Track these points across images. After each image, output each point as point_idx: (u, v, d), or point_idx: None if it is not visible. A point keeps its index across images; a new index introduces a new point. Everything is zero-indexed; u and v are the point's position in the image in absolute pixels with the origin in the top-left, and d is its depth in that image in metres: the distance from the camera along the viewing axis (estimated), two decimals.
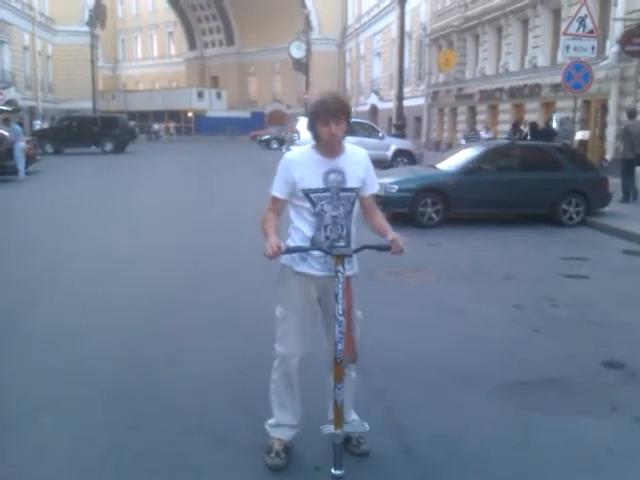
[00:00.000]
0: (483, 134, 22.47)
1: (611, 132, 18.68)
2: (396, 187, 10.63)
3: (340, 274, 2.89)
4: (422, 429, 3.59)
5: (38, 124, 40.51)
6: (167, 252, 8.41)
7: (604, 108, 19.37)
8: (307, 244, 3.08)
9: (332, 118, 2.97)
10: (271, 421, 3.30)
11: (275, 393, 3.27)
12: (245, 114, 64.80)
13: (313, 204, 3.06)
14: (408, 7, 28.22)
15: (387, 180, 10.58)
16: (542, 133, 17.21)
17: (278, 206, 3.16)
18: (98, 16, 55.45)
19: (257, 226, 3.14)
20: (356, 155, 3.18)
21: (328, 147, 3.05)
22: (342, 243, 3.06)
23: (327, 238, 3.06)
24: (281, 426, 3.27)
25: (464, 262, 8.05)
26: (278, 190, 3.13)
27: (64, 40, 55.69)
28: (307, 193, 3.06)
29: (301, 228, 3.11)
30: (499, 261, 8.21)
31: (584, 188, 11.11)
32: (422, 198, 10.70)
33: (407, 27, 30.28)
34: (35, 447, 3.36)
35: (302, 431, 3.30)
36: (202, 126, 63.16)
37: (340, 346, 2.87)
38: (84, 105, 47.17)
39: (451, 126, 32.41)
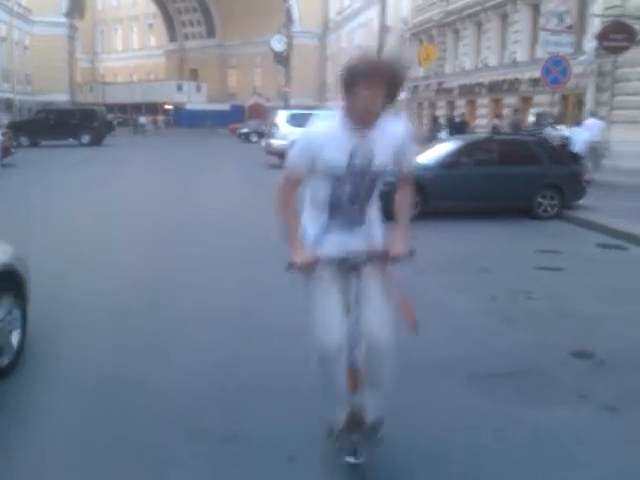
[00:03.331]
0: (549, 130, 16.58)
1: None
2: None
3: (355, 284, 2.85)
4: (395, 419, 3.62)
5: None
6: (149, 248, 8.36)
7: (580, 103, 19.58)
8: (320, 229, 2.91)
9: (377, 83, 2.54)
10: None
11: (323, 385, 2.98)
12: (224, 107, 64.49)
13: (332, 184, 2.81)
14: (390, 0, 28.21)
15: None
16: (457, 125, 21.15)
17: (295, 182, 2.87)
18: (77, 7, 54.75)
19: (278, 210, 2.91)
20: (393, 129, 2.80)
21: (361, 119, 2.68)
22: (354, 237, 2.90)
23: (342, 222, 2.88)
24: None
25: (441, 255, 8.10)
26: (298, 164, 2.82)
27: (42, 31, 54.85)
28: (327, 172, 2.78)
29: (314, 211, 2.91)
30: (476, 254, 8.29)
31: (559, 182, 11.25)
32: None
33: (388, 21, 30.32)
34: (18, 429, 3.34)
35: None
36: (181, 119, 62.76)
37: (355, 352, 2.78)
38: (61, 97, 46.66)
39: (430, 120, 32.50)
